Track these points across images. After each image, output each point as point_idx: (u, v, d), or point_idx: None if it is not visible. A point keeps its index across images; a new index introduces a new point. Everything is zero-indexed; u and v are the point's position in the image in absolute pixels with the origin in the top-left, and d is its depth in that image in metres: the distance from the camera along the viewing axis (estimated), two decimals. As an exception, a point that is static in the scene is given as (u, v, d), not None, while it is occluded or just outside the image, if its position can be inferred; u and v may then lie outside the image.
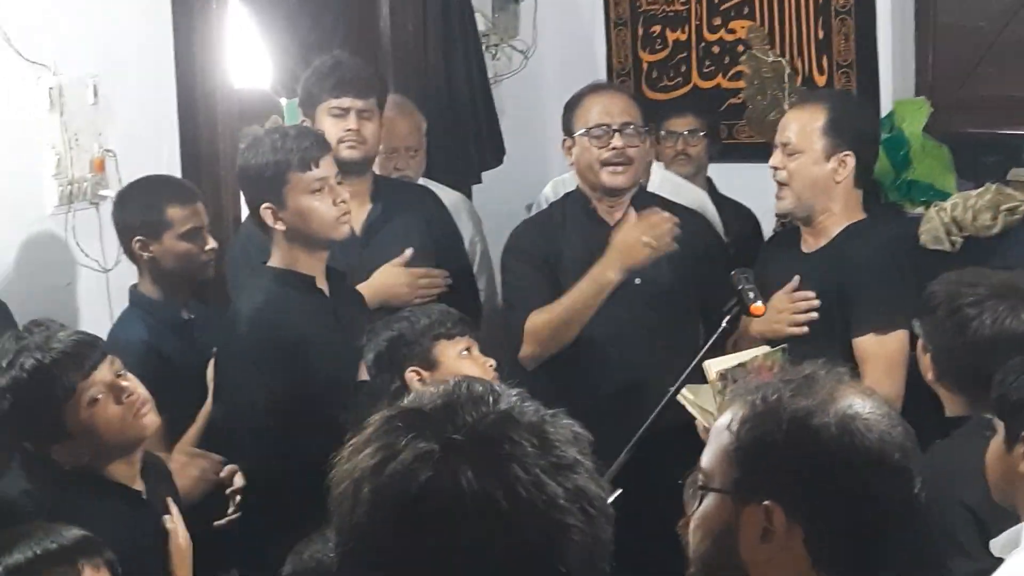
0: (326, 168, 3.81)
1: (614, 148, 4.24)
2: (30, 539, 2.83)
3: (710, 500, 1.89)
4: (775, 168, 4.09)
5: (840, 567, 1.86)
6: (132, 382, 3.23)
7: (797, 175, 4.05)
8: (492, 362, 3.57)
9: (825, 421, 1.85)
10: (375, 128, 4.38)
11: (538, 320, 4.26)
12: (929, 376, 3.40)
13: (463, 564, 1.44)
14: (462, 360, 3.52)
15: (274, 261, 3.85)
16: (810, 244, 4.14)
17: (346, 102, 4.34)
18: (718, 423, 1.93)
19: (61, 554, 2.81)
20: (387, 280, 4.30)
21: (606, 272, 4.19)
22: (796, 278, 4.06)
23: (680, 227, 4.34)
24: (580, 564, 1.47)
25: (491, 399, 1.52)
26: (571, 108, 4.38)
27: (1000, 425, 2.84)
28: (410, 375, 3.49)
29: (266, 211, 3.79)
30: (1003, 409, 2.83)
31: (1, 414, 3.14)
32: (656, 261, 4.22)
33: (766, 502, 1.83)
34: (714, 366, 3.68)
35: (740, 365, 3.71)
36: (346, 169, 4.09)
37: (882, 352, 3.87)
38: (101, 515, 3.01)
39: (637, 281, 4.26)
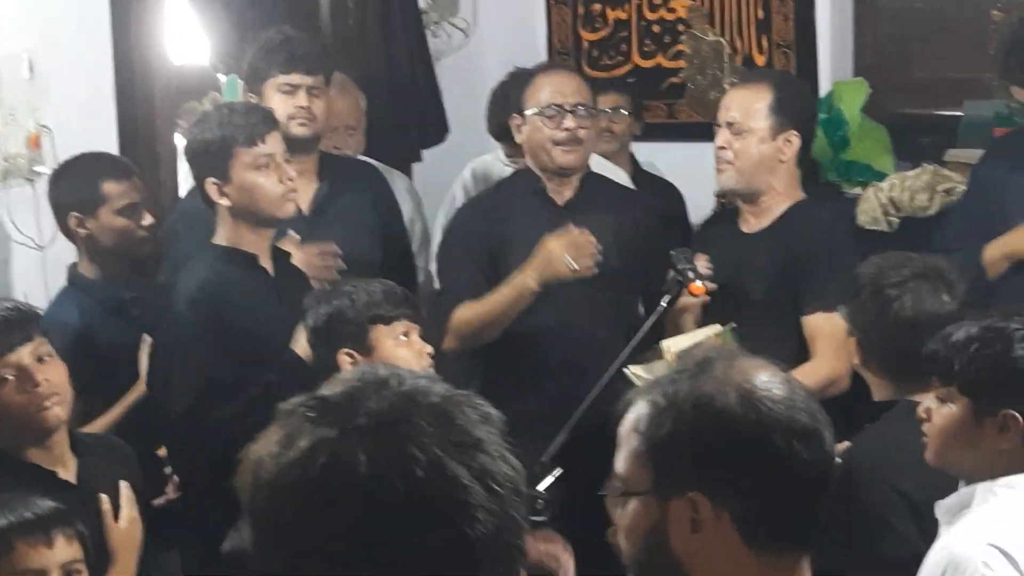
0: (273, 144, 3.79)
1: (567, 129, 4.24)
2: (3, 508, 2.82)
3: (633, 504, 1.89)
4: (721, 148, 4.10)
5: (772, 541, 1.86)
6: (49, 372, 3.18)
7: (743, 154, 4.07)
8: (429, 348, 3.52)
9: (727, 402, 1.85)
10: (324, 105, 4.36)
11: (461, 316, 4.27)
12: (855, 361, 3.43)
13: (364, 548, 1.43)
14: (398, 346, 3.47)
15: (218, 239, 3.82)
16: (752, 224, 4.16)
17: (296, 78, 4.31)
18: (624, 427, 1.92)
19: (36, 524, 2.81)
20: None
21: (526, 280, 4.18)
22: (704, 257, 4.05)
23: (624, 208, 4.37)
24: (487, 543, 1.45)
25: (395, 382, 1.50)
26: (521, 86, 4.38)
27: (964, 402, 2.83)
28: (343, 357, 3.44)
29: (211, 186, 3.76)
30: (970, 388, 2.82)
31: None
32: (604, 242, 4.23)
33: (689, 493, 1.84)
34: (672, 346, 3.72)
35: (696, 344, 3.74)
36: (294, 147, 4.08)
37: (830, 330, 3.88)
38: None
39: None
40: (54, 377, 3.19)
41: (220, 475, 3.47)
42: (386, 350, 3.45)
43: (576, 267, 4.11)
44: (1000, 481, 2.77)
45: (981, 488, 2.79)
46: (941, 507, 2.85)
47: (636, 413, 1.91)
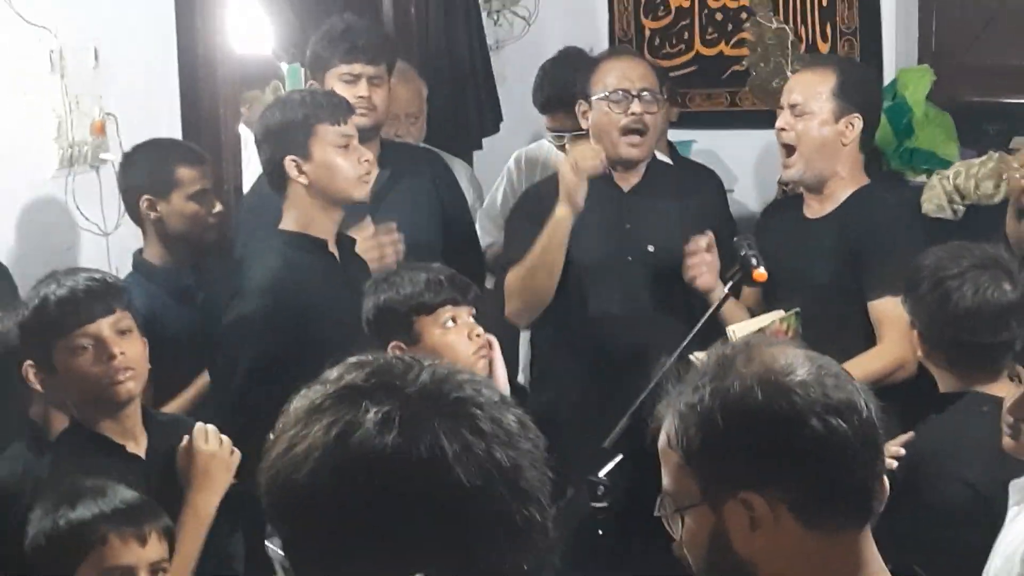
0: (353, 127, 3.84)
1: (633, 114, 4.24)
2: (98, 495, 2.80)
3: (689, 517, 1.88)
4: (782, 129, 4.09)
5: (832, 520, 1.85)
6: (127, 346, 3.20)
7: (805, 136, 4.06)
8: (479, 330, 3.41)
9: (755, 397, 1.83)
10: (384, 95, 4.38)
11: (512, 275, 4.30)
12: (919, 353, 3.41)
13: (449, 509, 1.43)
14: (446, 333, 3.39)
15: (287, 224, 3.83)
16: (815, 210, 4.14)
17: (357, 68, 4.32)
18: (661, 444, 1.91)
19: (129, 516, 2.79)
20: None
21: (557, 211, 4.21)
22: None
23: (690, 193, 4.37)
24: (538, 488, 1.49)
25: (410, 363, 1.53)
26: (588, 72, 4.37)
27: None
28: (393, 351, 3.34)
29: (290, 163, 3.77)
30: None
31: (18, 326, 3.19)
32: (669, 228, 4.24)
33: (741, 494, 1.82)
34: (737, 331, 3.72)
35: (760, 330, 3.73)
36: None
37: (897, 315, 3.77)
38: (92, 473, 2.98)
39: (650, 248, 4.28)
40: (131, 351, 3.21)
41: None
42: (433, 338, 3.39)
43: (580, 168, 4.15)
44: None
45: None
46: (1016, 485, 2.84)
47: (667, 428, 1.89)
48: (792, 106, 4.09)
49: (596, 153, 4.21)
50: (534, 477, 1.48)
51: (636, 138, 4.26)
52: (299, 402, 1.53)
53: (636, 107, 4.24)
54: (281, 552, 1.48)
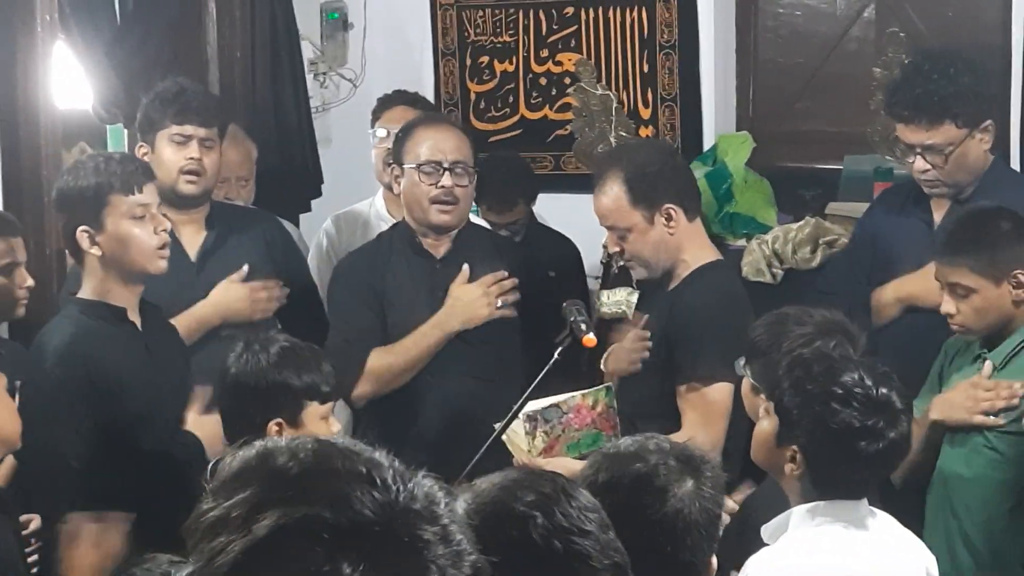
0: (149, 195, 3.73)
1: (443, 186, 4.21)
2: None
3: None
4: (617, 251, 4.06)
5: None
6: None
7: (635, 252, 4.01)
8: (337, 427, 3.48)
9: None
10: (216, 158, 4.32)
11: (380, 362, 4.23)
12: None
13: None
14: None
15: (84, 291, 3.74)
16: (665, 284, 4.07)
17: (189, 129, 4.26)
18: None
19: None
20: (225, 297, 4.25)
21: (450, 322, 4.21)
22: (644, 317, 4.06)
23: (501, 258, 4.36)
24: None
25: (391, 480, 1.41)
26: (402, 139, 4.33)
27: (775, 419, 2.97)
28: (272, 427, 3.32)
29: (82, 234, 3.68)
30: (780, 410, 2.95)
31: None
32: None
33: None
34: (529, 407, 3.70)
35: (554, 405, 3.73)
36: (184, 202, 4.06)
37: (701, 403, 3.84)
38: None
39: None
40: None
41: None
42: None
43: (496, 307, 4.19)
44: (819, 516, 2.87)
45: (797, 513, 2.90)
46: (767, 530, 2.94)
47: None
48: (610, 228, 4.02)
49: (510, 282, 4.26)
50: None
51: (447, 207, 4.25)
52: (249, 468, 1.41)
53: (447, 180, 4.21)
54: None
